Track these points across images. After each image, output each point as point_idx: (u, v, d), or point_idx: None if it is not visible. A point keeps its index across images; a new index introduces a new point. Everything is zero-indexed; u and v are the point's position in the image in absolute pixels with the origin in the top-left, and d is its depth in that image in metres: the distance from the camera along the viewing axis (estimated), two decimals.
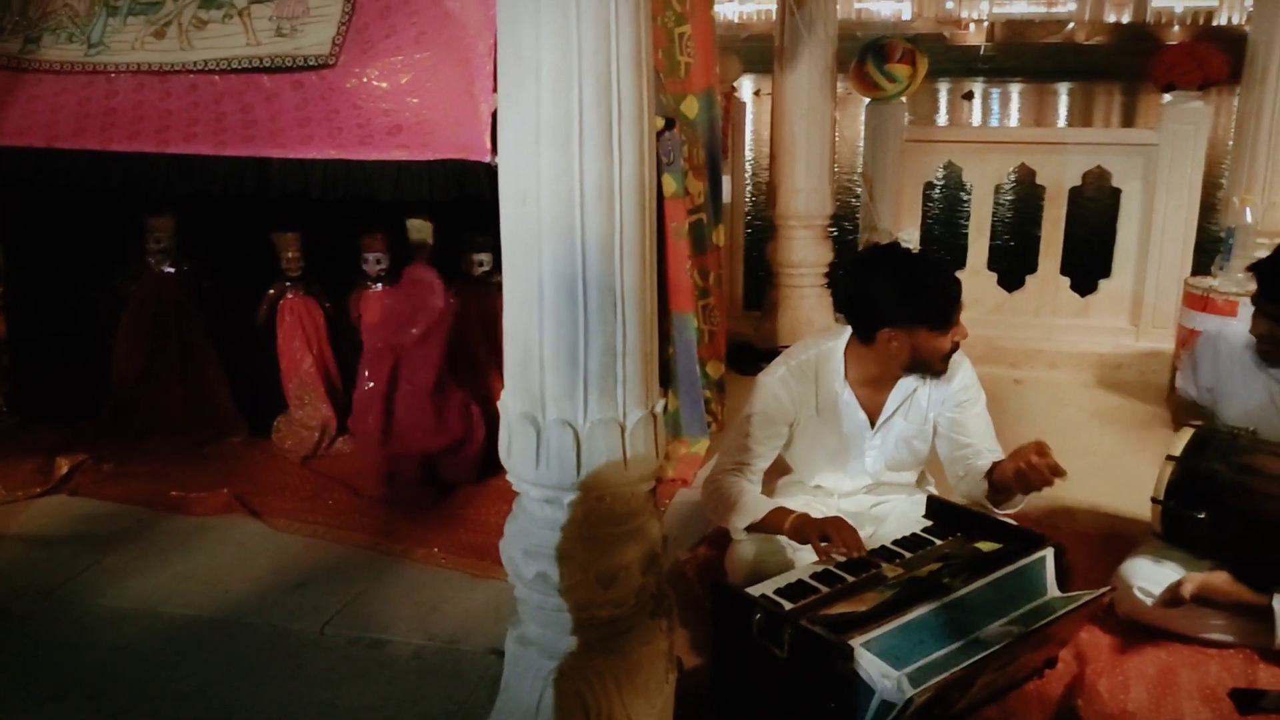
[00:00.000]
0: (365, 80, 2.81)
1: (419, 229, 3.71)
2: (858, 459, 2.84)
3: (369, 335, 3.80)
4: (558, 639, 2.18)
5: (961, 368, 2.79)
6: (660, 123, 3.42)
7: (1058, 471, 2.49)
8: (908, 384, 2.76)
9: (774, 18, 5.11)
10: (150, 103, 2.90)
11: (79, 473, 3.74)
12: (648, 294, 2.12)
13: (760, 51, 5.72)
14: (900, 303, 2.58)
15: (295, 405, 4.02)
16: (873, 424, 2.78)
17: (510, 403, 2.12)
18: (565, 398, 2.05)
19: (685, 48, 3.78)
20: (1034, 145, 5.27)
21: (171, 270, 4.01)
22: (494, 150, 2.69)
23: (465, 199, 2.79)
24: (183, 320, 4.03)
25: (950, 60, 48.90)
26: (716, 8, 4.12)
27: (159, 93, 2.91)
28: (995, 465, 2.68)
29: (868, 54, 5.01)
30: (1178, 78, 4.76)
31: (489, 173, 2.71)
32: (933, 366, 2.68)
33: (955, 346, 2.67)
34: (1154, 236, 4.91)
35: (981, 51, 57.89)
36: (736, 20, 66.52)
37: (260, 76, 2.93)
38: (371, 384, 3.72)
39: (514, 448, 2.12)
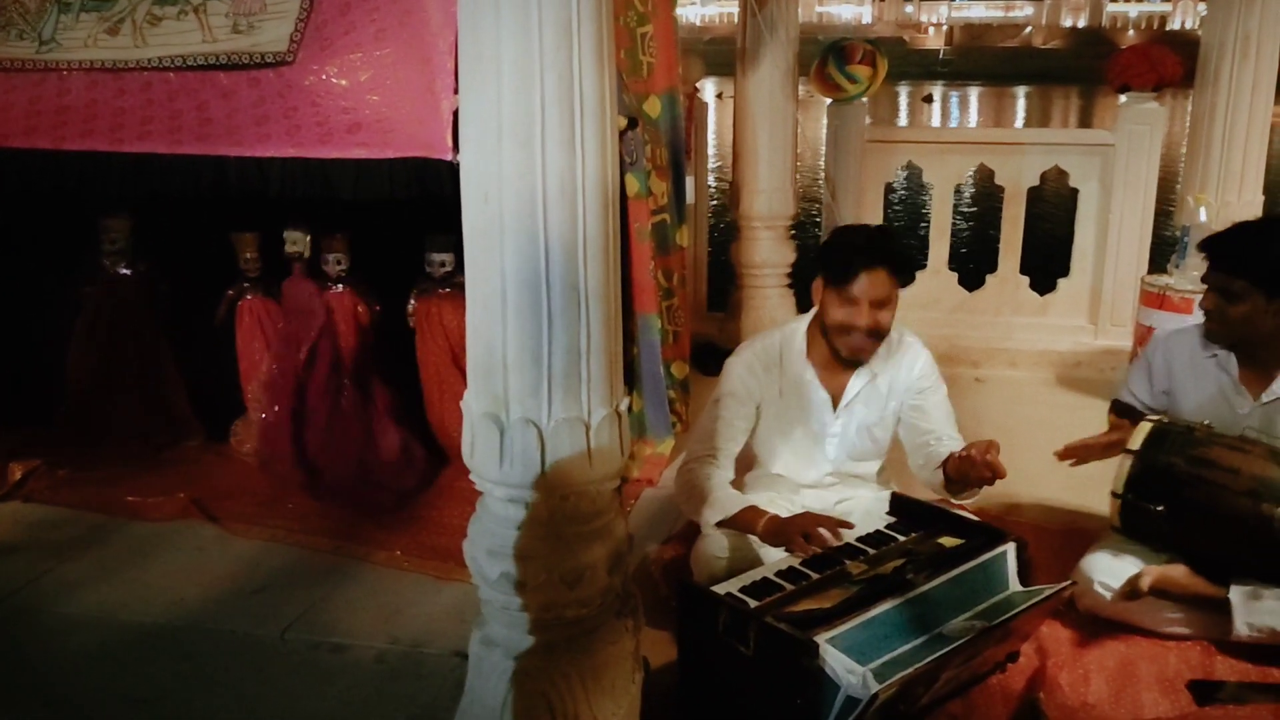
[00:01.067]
0: (324, 77, 2.78)
1: (295, 240, 3.72)
2: (820, 446, 2.85)
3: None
4: (522, 639, 2.17)
5: (920, 357, 2.83)
6: (623, 122, 3.42)
7: (997, 471, 2.52)
8: (867, 370, 2.77)
9: (736, 20, 5.13)
10: (104, 101, 2.84)
11: (33, 478, 3.66)
12: (612, 292, 2.11)
13: (722, 54, 5.72)
14: (820, 251, 2.68)
15: (254, 408, 3.96)
16: (835, 407, 2.79)
17: (473, 402, 2.10)
18: (529, 397, 2.03)
19: (648, 48, 3.78)
20: (993, 145, 5.33)
21: (128, 272, 3.94)
22: (455, 148, 2.67)
23: (426, 198, 2.76)
24: (139, 323, 3.97)
25: (910, 64, 49.34)
26: (678, 9, 4.12)
27: (113, 90, 2.86)
28: (950, 456, 2.70)
29: (829, 55, 5.05)
30: (1132, 79, 4.84)
31: (451, 170, 2.69)
32: (836, 345, 2.69)
33: (855, 330, 2.64)
34: (1111, 235, 4.98)
35: (941, 55, 58.47)
36: (699, 23, 66.58)
37: (216, 74, 2.89)
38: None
39: (477, 447, 2.10)
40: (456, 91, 2.61)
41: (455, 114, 2.70)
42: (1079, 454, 2.89)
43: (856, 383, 2.79)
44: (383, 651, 2.73)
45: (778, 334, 2.83)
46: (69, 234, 3.89)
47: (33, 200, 3.82)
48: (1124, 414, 3.03)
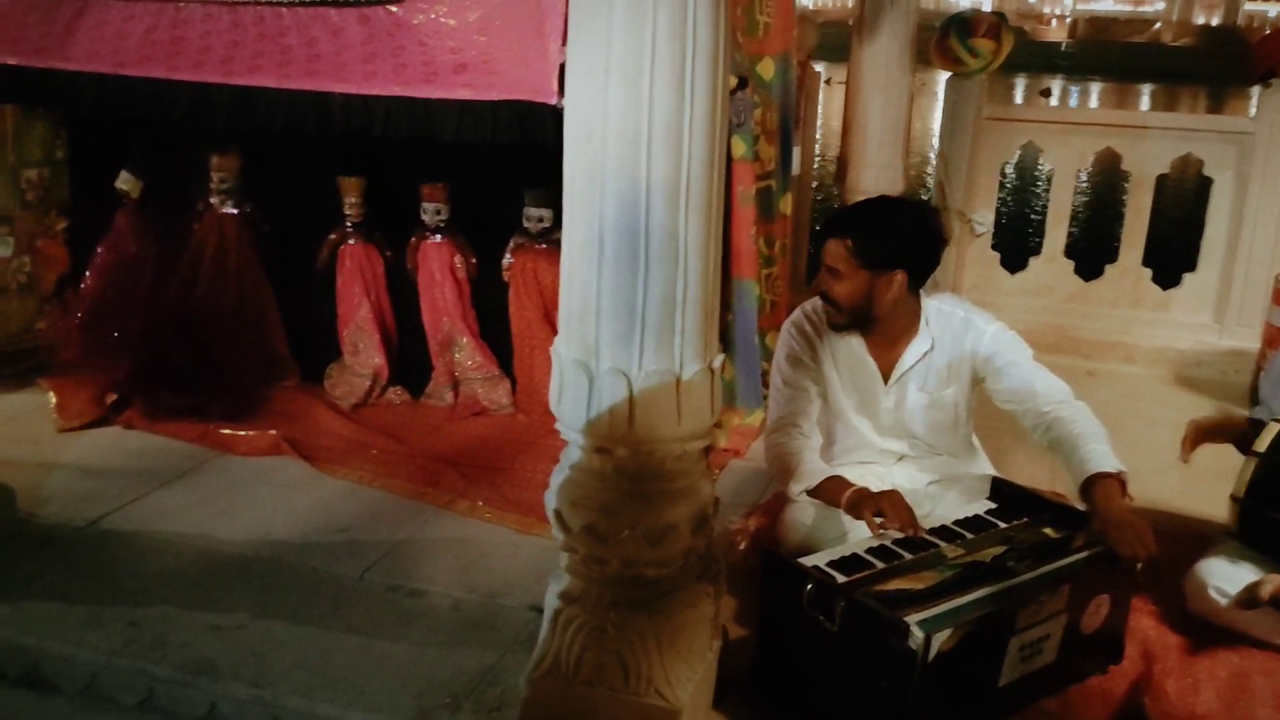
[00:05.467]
0: (433, 17, 2.73)
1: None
2: (875, 418, 2.73)
3: None
4: (601, 595, 2.11)
5: (985, 334, 2.61)
6: (733, 81, 3.31)
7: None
8: (920, 346, 2.63)
9: (845, 5, 4.98)
10: (217, 33, 2.86)
11: (131, 407, 3.75)
12: (712, 244, 2.03)
13: (833, 38, 5.47)
14: None
15: (349, 352, 3.99)
16: (886, 380, 2.66)
17: (563, 349, 2.05)
18: (621, 346, 1.97)
19: (765, 6, 3.66)
20: (1122, 129, 5.03)
21: (234, 211, 3.99)
22: (561, 93, 2.61)
23: (528, 143, 2.71)
24: (242, 262, 4.02)
25: (1030, 55, 47.58)
26: None
27: (227, 23, 2.87)
28: (1096, 493, 2.38)
29: (951, 27, 4.85)
30: (1279, 65, 4.53)
31: (555, 116, 2.63)
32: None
33: (821, 292, 2.59)
34: (1245, 230, 4.68)
35: (1063, 48, 56.36)
36: (811, 5, 65.52)
37: (327, 10, 2.86)
38: None
39: (565, 396, 2.05)
40: (567, 35, 2.56)
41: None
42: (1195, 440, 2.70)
43: (909, 357, 2.64)
44: (459, 600, 2.71)
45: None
46: (180, 170, 3.95)
47: (146, 133, 3.90)
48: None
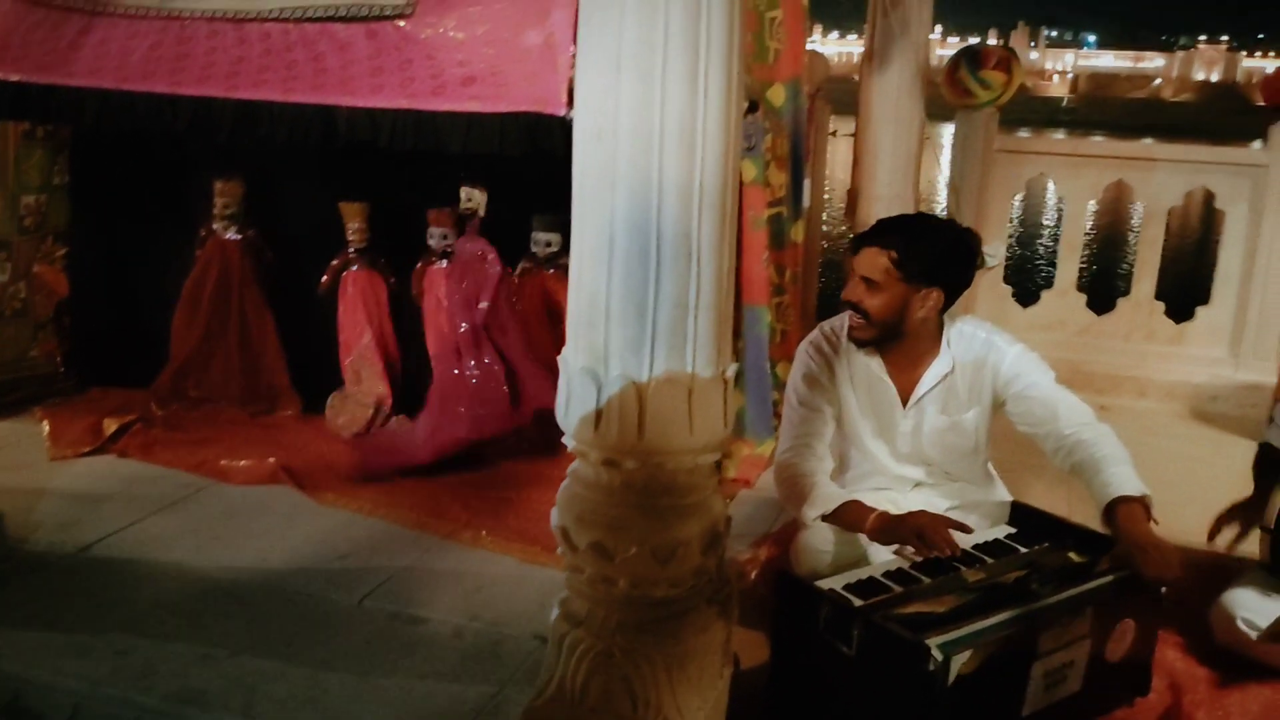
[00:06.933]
0: (441, 30, 2.68)
1: (471, 197, 3.61)
2: (892, 443, 2.64)
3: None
4: (607, 617, 2.02)
5: (1007, 356, 2.56)
6: (744, 104, 3.27)
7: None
8: (940, 367, 2.55)
9: (853, 60, 4.97)
10: (223, 49, 2.83)
11: (128, 435, 3.68)
12: (726, 247, 1.97)
13: (836, 93, 5.42)
14: None
15: (351, 381, 3.91)
16: (905, 403, 2.58)
17: (571, 357, 1.98)
18: (630, 352, 1.90)
19: (775, 33, 3.64)
20: (1134, 161, 4.99)
21: (237, 237, 3.94)
22: (570, 104, 2.56)
23: (535, 159, 2.66)
24: (244, 290, 3.96)
25: (1031, 111, 48.21)
26: None
27: (233, 40, 2.85)
28: (1120, 516, 2.33)
29: (962, 59, 4.83)
30: None
31: (563, 127, 2.58)
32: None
33: (846, 304, 2.52)
34: (1259, 262, 4.63)
35: (1064, 103, 57.05)
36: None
37: (334, 26, 2.82)
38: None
39: (572, 405, 1.97)
40: (576, 43, 2.52)
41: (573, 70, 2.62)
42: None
43: (929, 379, 2.56)
44: (461, 627, 2.61)
45: (844, 316, 2.62)
46: (183, 196, 3.91)
47: (149, 159, 3.86)
48: (1272, 463, 2.74)
